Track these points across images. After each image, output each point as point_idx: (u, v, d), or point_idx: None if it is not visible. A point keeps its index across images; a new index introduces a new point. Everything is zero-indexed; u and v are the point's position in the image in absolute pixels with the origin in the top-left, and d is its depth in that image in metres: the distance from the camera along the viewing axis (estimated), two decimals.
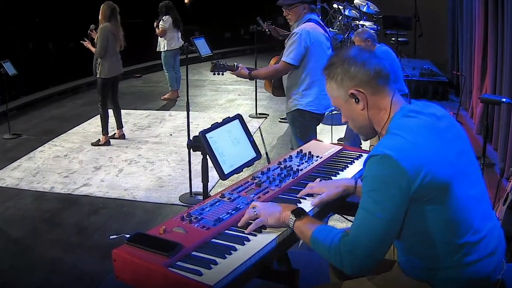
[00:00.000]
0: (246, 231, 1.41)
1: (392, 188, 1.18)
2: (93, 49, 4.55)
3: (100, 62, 4.49)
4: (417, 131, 1.24)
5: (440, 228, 1.23)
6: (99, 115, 4.76)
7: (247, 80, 3.07)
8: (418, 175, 1.18)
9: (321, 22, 3.00)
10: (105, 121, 4.68)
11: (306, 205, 1.57)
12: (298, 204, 1.57)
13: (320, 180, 1.68)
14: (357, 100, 1.32)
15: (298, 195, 1.62)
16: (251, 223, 1.43)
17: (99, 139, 4.74)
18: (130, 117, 5.76)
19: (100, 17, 4.50)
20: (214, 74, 2.87)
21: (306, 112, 2.91)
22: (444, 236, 1.24)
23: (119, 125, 4.91)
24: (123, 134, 4.94)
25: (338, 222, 3.00)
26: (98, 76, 4.55)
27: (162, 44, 6.24)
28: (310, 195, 1.62)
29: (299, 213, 1.38)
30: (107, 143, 4.71)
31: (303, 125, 2.94)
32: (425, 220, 1.23)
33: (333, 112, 4.17)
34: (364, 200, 1.23)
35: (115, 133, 4.90)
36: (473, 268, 1.26)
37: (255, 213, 1.43)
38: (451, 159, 1.24)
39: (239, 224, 1.44)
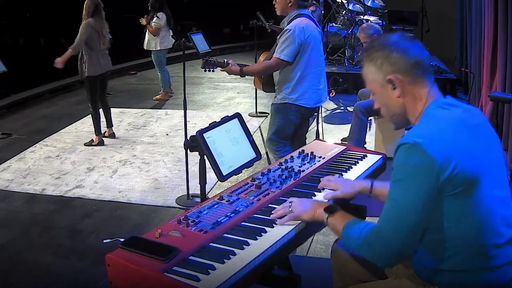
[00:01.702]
0: (278, 223, 1.45)
1: (421, 177, 1.17)
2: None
3: (85, 61, 4.41)
4: (448, 123, 1.23)
5: (462, 226, 1.21)
6: (90, 115, 4.68)
7: (246, 77, 3.04)
8: (448, 166, 1.16)
9: (312, 17, 3.01)
10: (96, 121, 4.61)
11: (320, 197, 1.60)
12: (313, 196, 1.61)
13: (339, 176, 1.72)
14: (394, 87, 1.31)
15: (318, 186, 1.67)
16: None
17: (92, 140, 4.66)
18: (125, 115, 5.69)
19: (83, 13, 4.42)
20: (205, 71, 2.89)
21: (293, 106, 2.92)
22: (465, 235, 1.21)
23: (109, 124, 4.85)
24: (113, 133, 4.88)
25: None
26: (86, 75, 4.45)
27: (153, 43, 6.03)
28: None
29: (331, 209, 1.41)
30: (100, 143, 4.64)
31: (285, 119, 2.95)
32: (448, 215, 1.21)
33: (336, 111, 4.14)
34: (393, 190, 1.22)
35: (105, 132, 4.83)
36: (492, 274, 1.22)
37: (290, 209, 1.46)
38: (480, 155, 1.23)
39: (272, 216, 1.47)
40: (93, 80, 4.49)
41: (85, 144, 4.63)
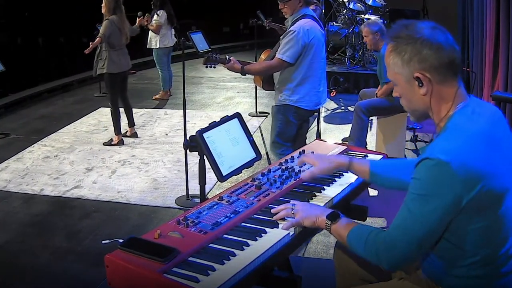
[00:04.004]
0: (282, 228, 1.41)
1: (445, 196, 1.13)
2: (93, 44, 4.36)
3: (105, 58, 4.35)
4: (476, 139, 1.17)
5: (481, 238, 1.19)
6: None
7: (246, 76, 3.03)
8: (475, 187, 1.13)
9: (317, 17, 3.00)
10: (116, 120, 4.54)
11: (321, 198, 1.58)
12: (313, 197, 1.60)
13: (313, 153, 1.70)
14: (420, 84, 1.21)
15: (297, 164, 1.66)
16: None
17: (112, 139, 4.60)
18: (124, 115, 5.64)
19: (103, 10, 4.35)
20: (206, 67, 2.88)
21: (293, 108, 2.92)
22: (482, 246, 1.19)
23: (131, 123, 4.80)
24: (135, 132, 4.83)
25: None
26: (105, 71, 4.37)
27: (154, 41, 6.01)
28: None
29: (334, 216, 1.39)
30: (120, 142, 4.58)
31: (285, 120, 2.94)
32: (469, 230, 1.18)
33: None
34: (411, 202, 1.19)
35: (126, 131, 4.78)
36: (501, 281, 1.21)
37: (292, 212, 1.44)
38: (506, 170, 1.19)
39: (274, 218, 1.45)
40: (114, 77, 4.42)
41: (104, 144, 4.58)
